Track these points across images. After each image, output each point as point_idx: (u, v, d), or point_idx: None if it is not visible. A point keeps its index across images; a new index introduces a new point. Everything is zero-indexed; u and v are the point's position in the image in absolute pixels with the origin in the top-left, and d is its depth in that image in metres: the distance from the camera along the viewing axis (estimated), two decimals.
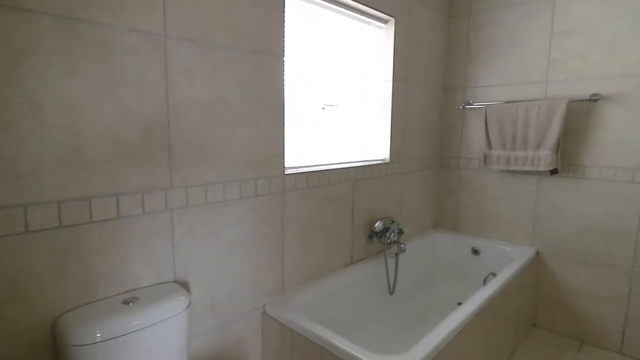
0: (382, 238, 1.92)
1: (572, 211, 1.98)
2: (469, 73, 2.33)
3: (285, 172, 1.48)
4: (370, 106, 2.01)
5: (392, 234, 1.94)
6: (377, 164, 1.96)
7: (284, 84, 1.42)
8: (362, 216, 1.89)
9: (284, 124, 1.44)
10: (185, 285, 1.21)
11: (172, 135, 1.13)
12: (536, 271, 2.11)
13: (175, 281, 1.19)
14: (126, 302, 1.02)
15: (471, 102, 2.30)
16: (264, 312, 1.44)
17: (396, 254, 1.97)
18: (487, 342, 1.58)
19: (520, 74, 2.12)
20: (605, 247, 1.89)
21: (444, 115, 2.46)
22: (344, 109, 1.86)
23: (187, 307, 1.08)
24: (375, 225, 1.91)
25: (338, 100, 1.82)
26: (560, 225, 2.03)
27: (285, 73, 1.42)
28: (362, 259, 1.92)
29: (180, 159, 1.16)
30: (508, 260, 1.98)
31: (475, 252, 2.27)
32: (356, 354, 1.11)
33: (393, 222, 1.99)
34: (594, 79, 1.88)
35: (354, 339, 1.60)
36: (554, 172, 1.96)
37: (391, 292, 1.93)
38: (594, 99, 1.85)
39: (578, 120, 1.94)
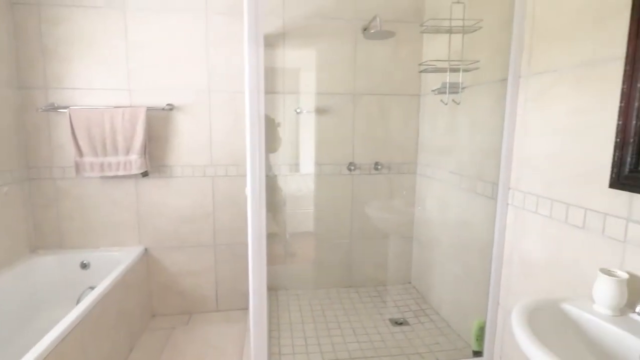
0: None
1: (167, 206, 2.26)
2: (49, 72, 2.08)
3: None
4: None
5: None
6: None
7: None
8: None
9: None
10: None
11: None
12: (146, 267, 2.27)
13: None
14: None
15: (55, 105, 2.08)
16: None
17: None
18: (88, 358, 1.53)
19: (105, 79, 2.12)
20: (194, 231, 2.31)
21: (26, 119, 2.09)
22: None
23: None
24: None
25: None
26: (160, 220, 2.27)
27: None
28: None
29: None
30: (117, 266, 2.00)
31: (84, 266, 2.13)
32: None
33: None
34: (167, 89, 2.17)
35: None
36: (144, 174, 2.14)
37: None
38: (169, 108, 2.15)
39: (160, 126, 2.20)
